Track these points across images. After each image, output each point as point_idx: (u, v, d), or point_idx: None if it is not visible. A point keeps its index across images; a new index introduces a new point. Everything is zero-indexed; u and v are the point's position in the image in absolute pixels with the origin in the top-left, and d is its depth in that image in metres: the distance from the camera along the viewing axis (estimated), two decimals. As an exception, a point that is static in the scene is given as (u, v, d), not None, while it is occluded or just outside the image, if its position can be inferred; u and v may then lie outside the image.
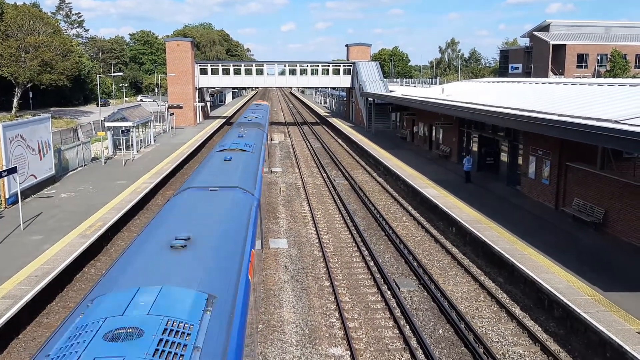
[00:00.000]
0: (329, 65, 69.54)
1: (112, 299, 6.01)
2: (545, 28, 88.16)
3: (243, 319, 6.57)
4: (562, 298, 14.14)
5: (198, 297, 6.18)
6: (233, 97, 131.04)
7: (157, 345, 4.90)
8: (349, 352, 12.96)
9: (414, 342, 13.41)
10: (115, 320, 5.36)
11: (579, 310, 13.38)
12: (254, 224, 10.58)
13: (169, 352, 4.87)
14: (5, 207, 23.66)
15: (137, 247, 8.36)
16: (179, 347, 5.02)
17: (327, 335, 13.89)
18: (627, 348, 11.52)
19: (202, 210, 10.38)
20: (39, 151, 27.42)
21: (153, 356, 4.74)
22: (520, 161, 27.23)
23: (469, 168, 29.50)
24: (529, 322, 14.47)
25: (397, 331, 14.05)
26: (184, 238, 7.99)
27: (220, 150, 18.58)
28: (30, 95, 74.11)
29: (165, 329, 5.21)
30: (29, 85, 70.35)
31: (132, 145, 40.47)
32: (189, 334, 5.29)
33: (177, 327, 5.32)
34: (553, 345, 13.26)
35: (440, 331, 14.15)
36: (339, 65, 69.58)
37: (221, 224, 9.45)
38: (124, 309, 5.60)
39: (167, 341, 5.02)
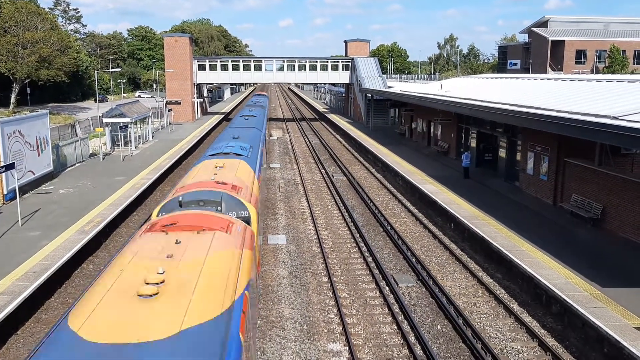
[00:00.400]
0: (327, 61, 69.46)
1: None
2: (543, 24, 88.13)
3: None
4: (560, 294, 14.17)
5: None
6: (232, 93, 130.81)
7: None
8: (347, 347, 12.99)
9: (412, 338, 13.44)
10: None
11: (576, 306, 13.41)
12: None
13: None
14: (4, 203, 23.63)
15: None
16: None
17: (325, 330, 13.91)
18: (625, 343, 11.56)
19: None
20: (37, 147, 27.37)
21: None
22: (518, 157, 27.24)
23: (468, 164, 29.51)
24: (527, 318, 14.51)
25: (396, 327, 14.08)
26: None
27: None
28: (28, 91, 74.00)
29: None
30: (27, 81, 70.21)
31: (131, 141, 40.41)
32: None
33: None
34: (551, 341, 13.30)
35: (439, 327, 14.18)
36: (338, 61, 69.49)
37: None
38: None
39: None
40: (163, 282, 6.67)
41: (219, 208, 11.77)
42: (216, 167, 15.35)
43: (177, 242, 8.38)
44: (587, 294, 14.13)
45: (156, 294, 6.38)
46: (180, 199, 11.79)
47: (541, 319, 14.47)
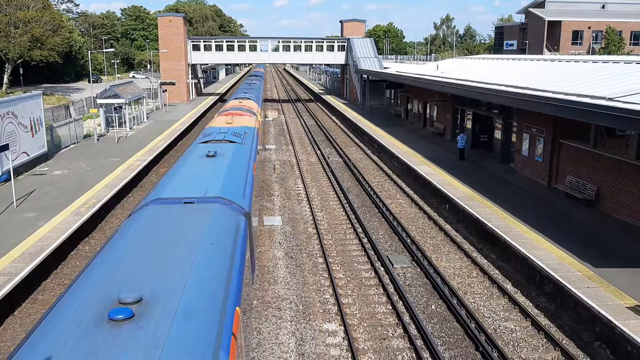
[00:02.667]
0: (323, 42, 68.94)
1: None
2: (540, 4, 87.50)
3: None
4: (553, 274, 14.30)
5: None
6: (226, 74, 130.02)
7: None
8: (342, 327, 13.12)
9: (406, 318, 13.57)
10: None
11: (569, 286, 13.55)
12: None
13: None
14: (-2, 185, 23.56)
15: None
16: None
17: (321, 311, 14.03)
18: (617, 323, 11.71)
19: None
20: (31, 128, 27.22)
21: None
22: (514, 139, 27.27)
23: (463, 145, 29.53)
24: (521, 298, 14.66)
25: (391, 307, 14.21)
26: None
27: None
28: (21, 71, 73.28)
29: None
30: (20, 61, 69.47)
31: (125, 122, 40.19)
32: None
33: None
34: (544, 320, 13.46)
35: (433, 307, 14.32)
36: (333, 42, 69.00)
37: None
38: None
39: None
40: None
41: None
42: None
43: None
44: (580, 275, 14.27)
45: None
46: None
47: (534, 299, 14.62)
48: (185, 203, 9.38)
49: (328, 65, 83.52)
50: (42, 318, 5.67)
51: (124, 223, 9.01)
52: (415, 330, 13.00)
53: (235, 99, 31.77)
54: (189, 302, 5.80)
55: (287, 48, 67.38)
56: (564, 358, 11.89)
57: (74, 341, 5.01)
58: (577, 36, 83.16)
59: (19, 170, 25.32)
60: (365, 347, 12.35)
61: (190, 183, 11.03)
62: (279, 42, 67.45)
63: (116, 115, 39.50)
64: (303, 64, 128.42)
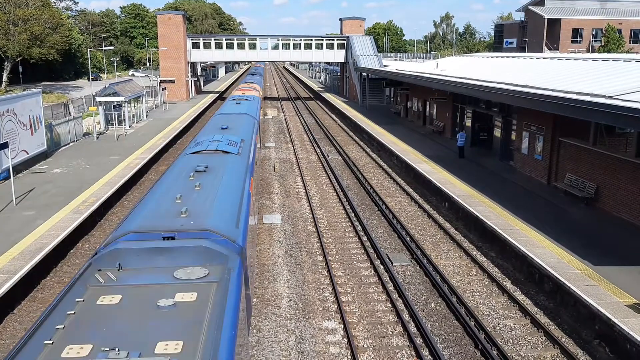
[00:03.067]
0: (322, 40, 68.87)
1: None
2: (540, 2, 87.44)
3: None
4: (552, 272, 14.31)
5: None
6: (226, 72, 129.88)
7: None
8: (342, 325, 13.13)
9: (406, 316, 13.58)
10: None
11: (569, 284, 13.56)
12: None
13: None
14: (-3, 183, 23.54)
15: None
16: None
17: (320, 309, 14.04)
18: (616, 321, 11.72)
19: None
20: (31, 126, 27.19)
21: None
22: (513, 137, 27.27)
23: (463, 144, 29.52)
24: (520, 296, 14.68)
25: (390, 305, 14.22)
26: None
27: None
28: (20, 69, 73.21)
29: None
30: (19, 59, 69.41)
31: (125, 120, 40.17)
32: None
33: None
34: (543, 318, 13.48)
35: (432, 305, 14.33)
36: (333, 40, 68.92)
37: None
38: None
39: None
40: None
41: None
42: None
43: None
44: (579, 272, 14.28)
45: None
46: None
47: (534, 297, 14.63)
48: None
49: (327, 63, 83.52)
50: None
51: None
52: (415, 329, 13.01)
53: (244, 82, 46.44)
54: None
55: (286, 46, 67.31)
56: (563, 356, 11.90)
57: None
58: (576, 34, 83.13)
59: (19, 168, 25.30)
60: (365, 345, 12.36)
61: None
62: (278, 40, 67.38)
63: (116, 113, 39.46)
64: (302, 62, 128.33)
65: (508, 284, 15.44)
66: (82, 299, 6.33)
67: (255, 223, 13.75)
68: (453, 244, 18.68)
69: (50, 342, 5.40)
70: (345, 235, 19.62)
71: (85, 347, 5.32)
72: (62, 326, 5.69)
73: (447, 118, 36.22)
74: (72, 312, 6.02)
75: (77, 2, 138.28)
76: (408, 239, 18.86)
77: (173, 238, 7.82)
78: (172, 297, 6.28)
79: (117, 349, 5.16)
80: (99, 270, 7.09)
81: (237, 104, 26.25)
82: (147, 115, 47.57)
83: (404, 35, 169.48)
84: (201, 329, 5.70)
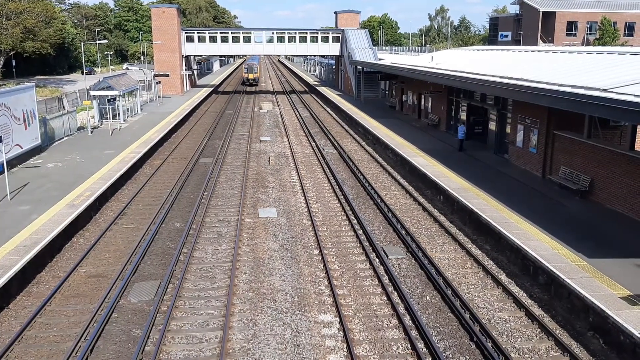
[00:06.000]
0: (317, 33, 68.71)
1: None
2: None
3: None
4: (547, 265, 14.38)
5: None
6: (220, 65, 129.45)
7: None
8: (338, 318, 13.17)
9: (401, 309, 13.63)
10: None
11: (563, 277, 13.63)
12: None
13: None
14: (-9, 177, 23.44)
15: None
16: None
17: (316, 302, 14.07)
18: (610, 313, 11.80)
19: None
20: (24, 121, 27.06)
21: None
22: (508, 130, 27.32)
23: (463, 136, 29.55)
24: (515, 289, 14.75)
25: (385, 298, 14.26)
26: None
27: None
28: (14, 63, 72.77)
29: None
30: (12, 53, 68.96)
31: (119, 114, 40.01)
32: None
33: None
34: (537, 311, 13.55)
35: (428, 297, 14.39)
36: (328, 33, 68.78)
37: None
38: None
39: None
40: None
41: None
42: None
43: None
44: (573, 265, 14.36)
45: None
46: None
47: (528, 289, 14.71)
48: None
49: (322, 56, 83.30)
50: None
51: None
52: (410, 321, 13.06)
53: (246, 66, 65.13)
54: None
55: (281, 39, 67.14)
56: (557, 348, 11.98)
57: None
58: (571, 27, 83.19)
59: (13, 162, 25.19)
60: (361, 338, 12.41)
61: None
62: (273, 33, 67.20)
63: (110, 107, 39.32)
64: (297, 56, 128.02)
65: (503, 277, 15.51)
66: None
67: None
68: (448, 237, 18.74)
69: None
70: (341, 229, 19.65)
71: None
72: None
73: (442, 111, 36.24)
74: None
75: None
76: (403, 232, 18.91)
77: None
78: None
79: None
80: None
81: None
82: (141, 109, 47.41)
83: (399, 28, 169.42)
84: None
